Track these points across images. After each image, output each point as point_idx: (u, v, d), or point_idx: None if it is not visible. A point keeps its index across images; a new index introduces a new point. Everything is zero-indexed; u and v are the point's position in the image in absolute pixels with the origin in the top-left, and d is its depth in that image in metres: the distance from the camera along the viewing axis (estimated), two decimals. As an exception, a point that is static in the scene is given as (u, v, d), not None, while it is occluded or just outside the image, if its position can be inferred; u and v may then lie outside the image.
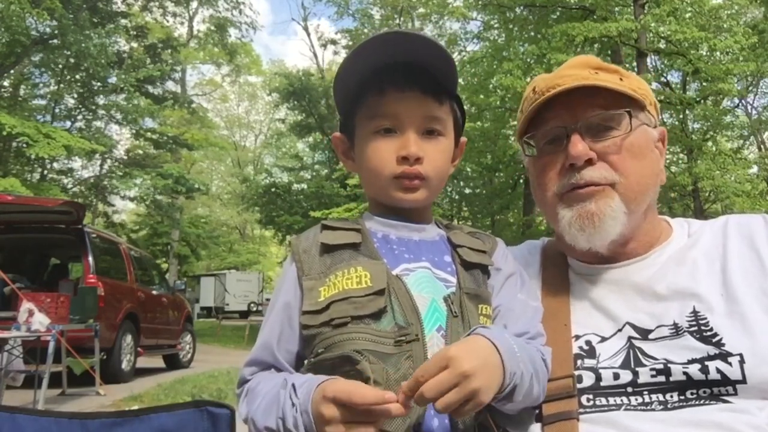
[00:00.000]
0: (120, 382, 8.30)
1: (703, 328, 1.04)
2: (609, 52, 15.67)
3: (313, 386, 0.91)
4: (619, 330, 1.11)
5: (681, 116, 16.06)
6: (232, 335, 20.48)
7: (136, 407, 2.03)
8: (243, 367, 1.11)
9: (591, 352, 1.10)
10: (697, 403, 0.99)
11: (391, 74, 1.08)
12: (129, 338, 8.95)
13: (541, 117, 1.17)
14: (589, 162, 1.12)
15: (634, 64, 14.92)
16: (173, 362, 11.05)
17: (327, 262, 1.06)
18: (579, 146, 1.11)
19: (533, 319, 1.11)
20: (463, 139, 1.22)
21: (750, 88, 22.02)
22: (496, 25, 19.37)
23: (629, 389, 1.04)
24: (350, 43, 28.54)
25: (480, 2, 17.56)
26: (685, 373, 1.00)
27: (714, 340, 1.02)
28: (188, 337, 11.69)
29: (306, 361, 1.07)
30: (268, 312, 1.12)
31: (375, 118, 1.09)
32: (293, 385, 0.94)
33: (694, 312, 1.07)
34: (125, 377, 8.66)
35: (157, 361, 11.05)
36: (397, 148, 1.07)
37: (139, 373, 9.41)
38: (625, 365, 1.06)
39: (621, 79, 1.16)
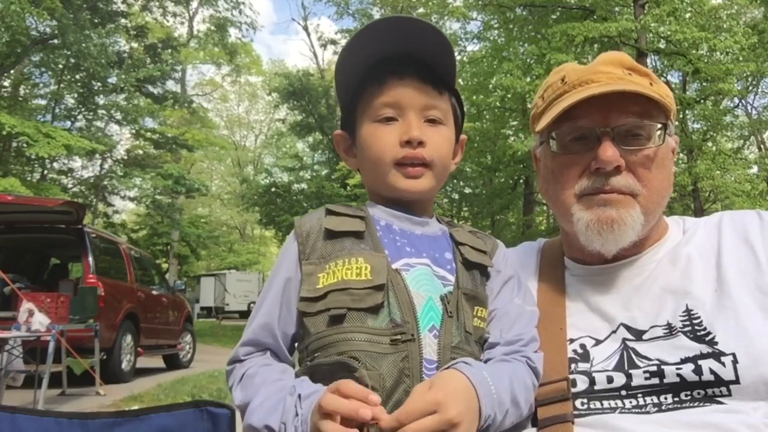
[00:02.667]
0: (120, 382, 8.31)
1: (696, 327, 1.04)
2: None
3: (315, 400, 0.90)
4: (614, 332, 1.11)
5: (681, 116, 16.05)
6: (232, 335, 20.46)
7: (136, 407, 2.03)
8: (239, 346, 1.09)
9: (585, 356, 1.10)
10: (691, 404, 0.99)
11: (389, 64, 1.09)
12: (129, 338, 8.95)
13: (567, 112, 1.13)
14: (617, 169, 1.11)
15: (634, 64, 14.88)
16: (173, 362, 11.04)
17: (328, 248, 1.05)
18: (610, 152, 1.09)
19: (528, 325, 1.11)
20: (463, 136, 1.21)
21: (750, 88, 22.01)
22: (496, 25, 19.37)
23: (623, 392, 1.04)
24: (350, 43, 28.49)
25: (480, 2, 17.55)
26: (678, 375, 1.01)
27: (707, 339, 1.02)
28: (188, 337, 11.69)
29: (300, 360, 1.06)
30: (267, 289, 1.10)
31: (375, 107, 1.09)
32: (299, 396, 0.93)
33: (687, 311, 1.07)
34: (125, 377, 8.66)
35: (157, 361, 11.04)
36: (400, 134, 1.07)
37: (139, 373, 9.41)
38: (618, 368, 1.06)
39: (651, 84, 1.14)
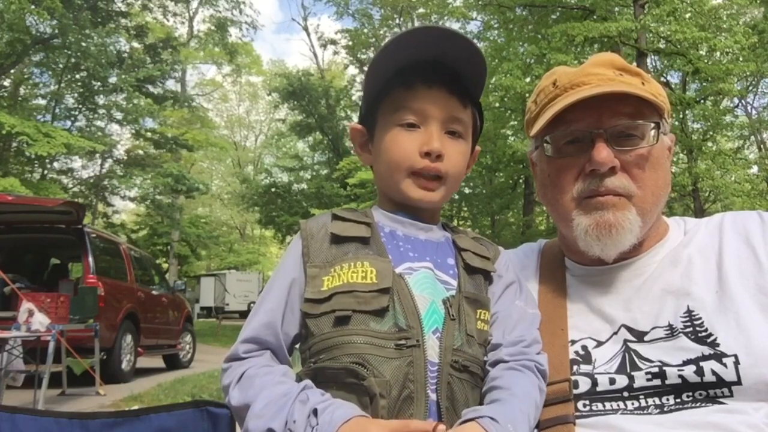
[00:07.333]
0: (120, 382, 8.30)
1: (697, 328, 1.04)
2: (609, 52, 15.65)
3: (335, 422, 0.88)
4: (615, 333, 1.11)
5: (681, 116, 16.05)
6: (232, 335, 20.44)
7: (136, 407, 2.03)
8: (239, 343, 1.06)
9: (587, 358, 1.10)
10: (693, 405, 0.99)
11: (421, 70, 1.09)
12: (129, 338, 8.94)
13: (561, 115, 1.13)
14: (612, 170, 1.11)
15: (634, 64, 14.89)
16: (173, 362, 11.04)
17: (333, 252, 1.06)
18: (604, 153, 1.09)
19: (530, 327, 1.11)
20: (477, 147, 1.22)
21: (750, 88, 22.01)
22: (496, 25, 19.38)
23: (625, 394, 1.04)
24: (350, 43, 28.55)
25: (480, 2, 17.56)
26: (680, 376, 1.01)
27: (708, 341, 1.02)
28: (188, 337, 11.69)
29: (303, 361, 1.06)
30: (269, 288, 1.09)
31: (400, 111, 1.09)
32: (315, 411, 0.90)
33: (689, 311, 1.07)
34: (125, 377, 8.65)
35: (157, 361, 11.04)
36: (420, 143, 1.07)
37: (139, 373, 9.41)
38: (620, 370, 1.06)
39: (643, 83, 1.14)
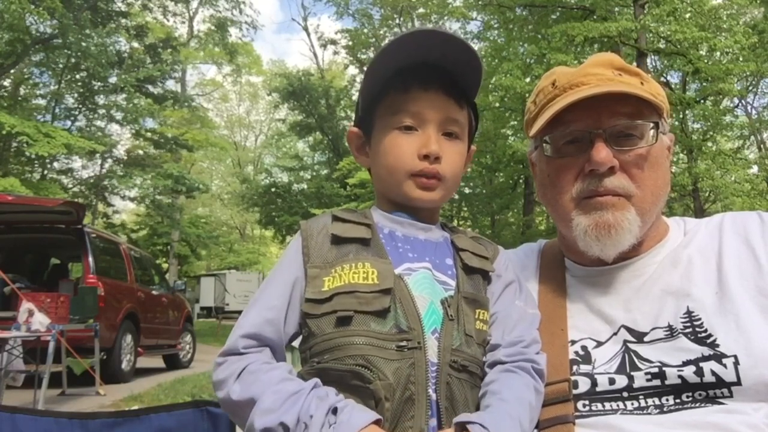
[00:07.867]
0: (120, 382, 8.31)
1: (697, 329, 1.04)
2: (609, 52, 15.66)
3: (354, 425, 0.87)
4: (615, 333, 1.11)
5: (681, 116, 16.05)
6: (231, 335, 20.40)
7: (136, 407, 2.03)
8: (239, 338, 1.03)
9: (586, 358, 1.10)
10: (692, 405, 0.99)
11: (417, 73, 1.10)
12: (129, 338, 8.95)
13: (560, 115, 1.12)
14: (611, 170, 1.11)
15: (634, 64, 14.90)
16: (173, 362, 11.05)
17: (333, 253, 1.06)
18: (603, 153, 1.09)
19: (530, 327, 1.11)
20: (473, 147, 1.23)
21: (750, 88, 22.01)
22: (496, 25, 19.40)
23: (625, 394, 1.04)
24: (350, 43, 28.56)
25: (480, 2, 17.57)
26: (680, 377, 1.01)
27: (708, 341, 1.02)
28: (188, 337, 11.70)
29: (304, 360, 1.05)
30: (270, 285, 1.08)
31: (397, 114, 1.10)
32: (334, 409, 0.90)
33: (688, 312, 1.07)
34: (125, 377, 8.66)
35: (157, 361, 11.04)
36: (418, 146, 1.08)
37: (139, 373, 9.41)
38: (620, 370, 1.06)
39: (642, 83, 1.14)
